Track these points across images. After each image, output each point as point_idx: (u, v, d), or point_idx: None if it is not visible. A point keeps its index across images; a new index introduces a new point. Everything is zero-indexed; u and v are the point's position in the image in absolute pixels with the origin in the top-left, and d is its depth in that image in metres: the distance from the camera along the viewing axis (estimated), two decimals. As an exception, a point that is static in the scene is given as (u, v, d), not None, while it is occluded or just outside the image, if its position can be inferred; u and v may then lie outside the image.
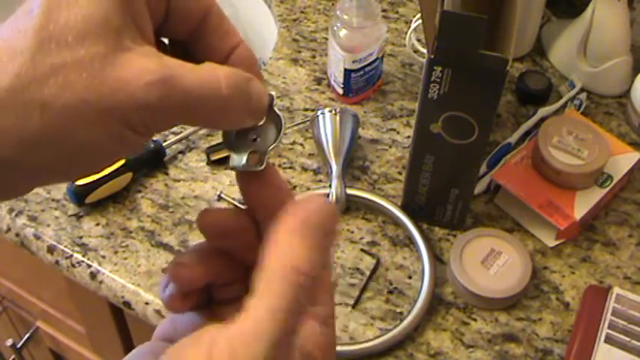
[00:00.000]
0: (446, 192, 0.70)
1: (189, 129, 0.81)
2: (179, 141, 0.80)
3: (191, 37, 0.33)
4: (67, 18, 0.28)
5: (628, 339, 0.63)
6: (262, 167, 0.35)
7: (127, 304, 0.70)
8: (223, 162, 0.79)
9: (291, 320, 0.28)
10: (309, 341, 0.31)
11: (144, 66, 0.29)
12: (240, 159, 0.34)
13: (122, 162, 0.75)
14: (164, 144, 0.78)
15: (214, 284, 0.36)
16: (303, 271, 0.28)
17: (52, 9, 0.28)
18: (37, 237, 0.73)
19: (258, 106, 0.32)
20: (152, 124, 0.30)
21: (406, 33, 0.89)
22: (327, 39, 0.90)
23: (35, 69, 0.28)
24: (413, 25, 0.87)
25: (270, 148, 0.35)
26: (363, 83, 0.84)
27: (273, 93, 0.34)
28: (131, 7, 0.29)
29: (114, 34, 0.28)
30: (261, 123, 0.34)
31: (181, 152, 0.80)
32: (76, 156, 0.30)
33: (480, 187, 0.76)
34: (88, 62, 0.28)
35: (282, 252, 0.29)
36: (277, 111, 0.34)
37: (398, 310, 0.68)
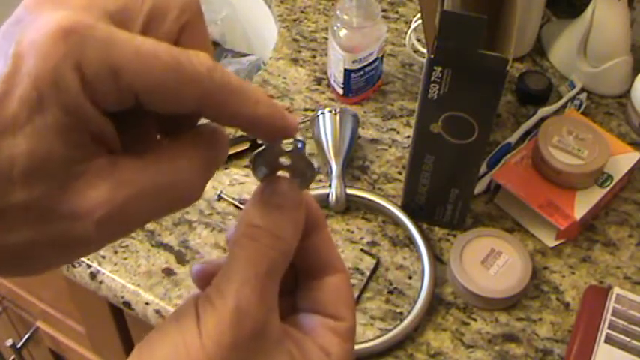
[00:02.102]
0: (446, 192, 0.70)
1: (189, 129, 0.81)
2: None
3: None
4: (12, 152, 0.25)
5: (628, 339, 0.63)
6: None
7: (127, 304, 0.70)
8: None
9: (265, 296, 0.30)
10: (329, 355, 0.32)
11: (94, 198, 0.26)
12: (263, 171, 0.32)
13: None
14: (164, 144, 0.78)
15: None
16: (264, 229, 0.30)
17: None
18: (37, 237, 0.73)
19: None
20: (107, 243, 0.29)
21: (406, 33, 0.89)
22: (327, 39, 0.90)
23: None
24: (413, 25, 0.87)
25: (301, 184, 0.33)
26: (363, 83, 0.84)
27: (302, 139, 0.32)
28: (82, 127, 0.26)
29: (60, 166, 0.26)
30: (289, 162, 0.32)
31: (181, 152, 0.80)
32: (24, 271, 0.29)
33: (479, 187, 0.76)
34: (33, 204, 0.26)
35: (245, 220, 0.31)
36: (307, 158, 0.32)
37: (398, 310, 0.68)
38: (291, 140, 0.31)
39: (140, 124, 0.30)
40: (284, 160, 0.32)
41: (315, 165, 0.79)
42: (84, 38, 0.25)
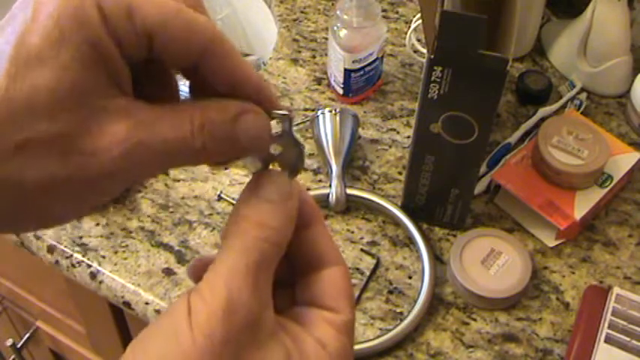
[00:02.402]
0: (446, 192, 0.70)
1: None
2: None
3: (197, 64, 0.31)
4: (35, 82, 0.26)
5: (628, 339, 0.63)
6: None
7: (127, 304, 0.70)
8: (223, 162, 0.79)
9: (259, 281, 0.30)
10: (320, 347, 0.32)
11: (114, 135, 0.27)
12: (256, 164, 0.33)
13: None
14: (164, 144, 0.78)
15: None
16: (267, 225, 0.31)
17: (20, 69, 0.27)
18: (37, 237, 0.73)
19: (248, 144, 0.31)
20: (123, 186, 0.30)
21: (406, 33, 0.89)
22: (327, 39, 0.90)
23: (5, 143, 0.27)
24: (413, 25, 0.87)
25: (290, 173, 0.33)
26: (363, 83, 0.84)
27: (292, 112, 0.32)
28: (101, 63, 0.27)
29: (83, 98, 0.27)
30: (279, 147, 0.33)
31: (181, 152, 0.80)
32: (41, 220, 0.30)
33: (480, 187, 0.76)
34: (55, 136, 0.27)
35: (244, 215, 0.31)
36: (295, 137, 0.33)
37: (398, 310, 0.68)
38: (280, 127, 0.32)
39: (152, 82, 0.31)
40: (274, 150, 0.32)
41: (315, 165, 0.79)
42: None
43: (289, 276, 0.35)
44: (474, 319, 0.68)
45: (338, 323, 0.33)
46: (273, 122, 0.32)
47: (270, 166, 0.33)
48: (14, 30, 0.27)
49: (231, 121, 0.30)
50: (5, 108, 0.26)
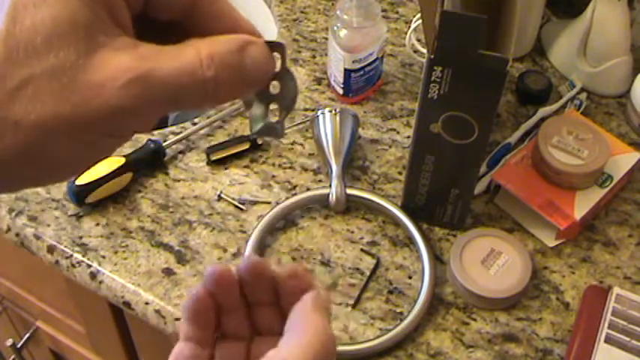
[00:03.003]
0: (446, 192, 0.70)
1: (190, 129, 0.81)
2: (179, 141, 0.80)
3: (186, 18, 0.31)
4: (34, 20, 0.26)
5: (628, 339, 0.63)
6: (281, 136, 0.34)
7: (127, 304, 0.70)
8: (223, 162, 0.79)
9: None
10: None
11: (118, 65, 0.27)
12: (259, 111, 0.33)
13: (122, 162, 0.75)
14: (164, 144, 0.78)
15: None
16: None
17: (19, 11, 0.26)
18: (37, 237, 0.73)
19: (255, 74, 0.30)
20: (132, 126, 0.29)
21: (406, 33, 0.89)
22: (327, 39, 0.90)
23: (4, 83, 0.26)
24: (413, 25, 0.87)
25: (288, 107, 0.33)
26: (363, 83, 0.84)
27: (284, 42, 0.32)
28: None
29: (85, 32, 0.26)
30: (277, 80, 0.33)
31: (181, 152, 0.80)
32: (51, 167, 0.29)
33: (480, 187, 0.76)
34: (58, 70, 0.26)
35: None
36: (288, 68, 0.32)
37: (398, 310, 0.68)
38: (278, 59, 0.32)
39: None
40: (272, 87, 0.32)
41: (316, 165, 0.79)
42: None
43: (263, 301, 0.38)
44: (474, 319, 0.68)
45: (301, 342, 0.34)
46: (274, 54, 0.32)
47: (269, 105, 0.33)
48: None
49: (238, 51, 0.29)
50: (6, 47, 0.26)
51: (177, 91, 0.28)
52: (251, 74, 0.30)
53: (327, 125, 0.77)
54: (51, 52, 0.26)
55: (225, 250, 0.72)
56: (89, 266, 0.71)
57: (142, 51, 0.27)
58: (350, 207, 0.75)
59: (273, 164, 0.79)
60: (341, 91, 0.85)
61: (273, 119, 0.33)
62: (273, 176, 0.78)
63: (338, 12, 0.79)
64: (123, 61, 0.27)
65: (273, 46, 0.32)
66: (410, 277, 0.70)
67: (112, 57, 0.27)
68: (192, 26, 0.30)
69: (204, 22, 0.30)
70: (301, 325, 0.33)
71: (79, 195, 0.73)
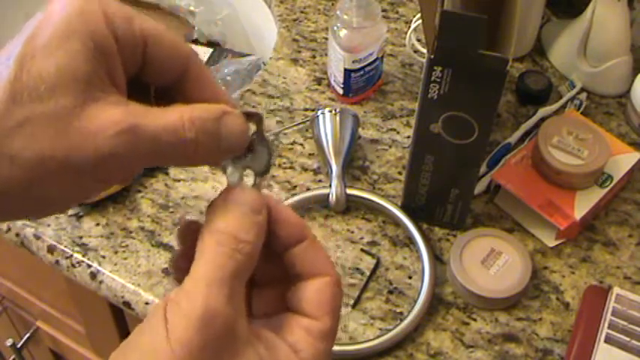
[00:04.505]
0: (446, 192, 0.70)
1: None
2: (179, 141, 0.80)
3: (174, 85, 0.34)
4: (40, 68, 0.29)
5: (628, 339, 0.63)
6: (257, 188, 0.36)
7: (127, 304, 0.70)
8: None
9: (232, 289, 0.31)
10: (297, 352, 0.33)
11: (110, 117, 0.30)
12: (234, 176, 0.35)
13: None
14: (164, 144, 0.78)
15: None
16: (240, 239, 0.32)
17: (27, 59, 0.29)
18: (37, 237, 0.73)
19: (230, 143, 0.33)
20: (119, 173, 0.31)
21: (406, 33, 0.89)
22: (327, 39, 0.90)
23: (6, 121, 0.29)
24: (413, 25, 0.87)
25: (262, 173, 0.36)
26: (363, 83, 0.84)
27: (261, 113, 0.35)
28: (102, 57, 0.31)
29: (83, 85, 0.30)
30: (252, 147, 0.35)
31: (181, 152, 0.80)
32: (41, 202, 0.31)
33: (480, 187, 0.76)
34: (56, 115, 0.29)
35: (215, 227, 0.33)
36: (266, 136, 0.36)
37: (398, 310, 0.68)
38: (253, 127, 0.35)
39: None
40: (247, 153, 0.35)
41: (315, 165, 0.79)
42: None
43: (272, 280, 0.36)
44: (474, 319, 0.68)
45: (314, 330, 0.34)
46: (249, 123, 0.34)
47: (244, 170, 0.35)
48: (29, 29, 0.30)
49: (216, 119, 0.32)
50: (12, 89, 0.29)
51: (161, 147, 0.31)
52: (226, 141, 0.33)
53: (327, 125, 0.77)
54: (52, 99, 0.29)
55: (225, 250, 0.72)
56: (89, 266, 0.71)
57: (132, 108, 0.31)
58: (350, 207, 0.75)
59: (273, 164, 0.79)
60: (341, 91, 0.85)
61: (249, 184, 0.35)
62: (273, 176, 0.78)
63: (338, 12, 0.79)
64: (114, 114, 0.30)
65: (251, 115, 0.35)
66: (410, 277, 0.70)
67: (105, 110, 0.30)
68: (178, 93, 0.34)
69: (190, 91, 0.34)
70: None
71: (79, 195, 0.73)
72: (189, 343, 0.29)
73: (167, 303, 0.31)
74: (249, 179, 0.36)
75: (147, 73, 0.33)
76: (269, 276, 0.37)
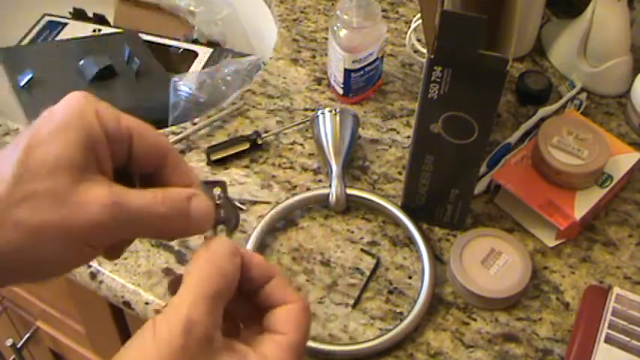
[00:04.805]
0: (446, 192, 0.70)
1: (190, 129, 0.81)
2: (179, 141, 0.80)
3: (155, 172, 0.42)
4: (44, 156, 0.37)
5: (628, 339, 0.63)
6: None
7: (127, 304, 0.70)
8: (223, 162, 0.79)
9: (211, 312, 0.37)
10: None
11: (98, 193, 0.37)
12: (210, 233, 0.43)
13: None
14: (164, 144, 0.78)
15: None
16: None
17: (32, 147, 0.37)
18: (37, 237, 0.73)
19: (198, 221, 0.41)
20: (105, 239, 0.39)
21: (406, 33, 0.89)
22: (327, 39, 0.90)
23: (14, 195, 0.36)
24: (413, 25, 0.87)
25: (232, 229, 0.44)
26: (363, 83, 0.84)
27: (224, 180, 0.45)
28: (93, 148, 0.38)
29: (77, 170, 0.37)
30: (223, 209, 0.44)
31: (181, 152, 0.80)
32: (40, 265, 0.38)
33: (480, 187, 0.76)
34: (55, 191, 0.36)
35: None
36: (230, 199, 0.44)
37: (398, 310, 0.68)
38: (220, 193, 0.44)
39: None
40: (218, 215, 0.43)
41: (315, 165, 0.79)
42: (97, 99, 0.40)
43: (247, 315, 0.43)
44: (474, 319, 0.68)
45: (283, 342, 0.40)
46: (215, 190, 0.44)
47: (218, 228, 0.44)
48: (35, 124, 0.38)
49: (186, 200, 0.40)
50: (19, 171, 0.37)
51: (138, 220, 0.38)
52: (195, 218, 0.40)
53: (327, 125, 0.77)
54: (52, 179, 0.36)
55: (225, 250, 0.72)
56: (89, 266, 0.71)
57: (115, 189, 0.38)
58: (350, 207, 0.75)
59: (273, 164, 0.79)
60: (341, 91, 0.85)
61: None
62: (273, 176, 0.78)
63: (338, 12, 0.79)
64: (101, 192, 0.37)
65: (216, 182, 0.44)
66: (410, 277, 0.70)
67: (93, 189, 0.37)
68: (158, 180, 0.42)
69: (167, 177, 0.42)
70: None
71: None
72: (171, 343, 0.35)
73: (156, 317, 0.37)
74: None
75: (133, 162, 0.41)
76: (242, 314, 0.43)
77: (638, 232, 0.74)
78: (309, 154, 0.80)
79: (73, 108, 0.38)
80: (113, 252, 0.43)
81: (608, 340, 0.63)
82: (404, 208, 0.73)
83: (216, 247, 0.40)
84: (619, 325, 0.64)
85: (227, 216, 0.44)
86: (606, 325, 0.64)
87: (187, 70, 1.02)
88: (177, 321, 0.36)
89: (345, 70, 0.81)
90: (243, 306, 0.43)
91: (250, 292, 0.42)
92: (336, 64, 0.82)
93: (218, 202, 0.44)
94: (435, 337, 0.66)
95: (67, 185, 0.37)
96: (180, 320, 0.36)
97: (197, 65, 1.02)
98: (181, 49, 1.05)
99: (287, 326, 0.41)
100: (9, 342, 1.22)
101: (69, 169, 0.37)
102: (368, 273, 0.70)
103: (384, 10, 0.96)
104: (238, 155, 0.79)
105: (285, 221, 0.74)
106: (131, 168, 0.42)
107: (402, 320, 0.66)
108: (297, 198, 0.74)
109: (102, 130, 0.39)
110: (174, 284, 0.40)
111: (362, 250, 0.72)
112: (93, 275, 0.71)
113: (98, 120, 0.39)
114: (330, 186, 0.74)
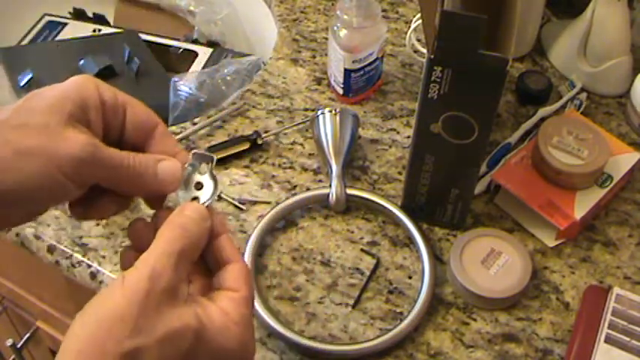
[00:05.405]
0: (446, 192, 0.70)
1: (190, 129, 0.81)
2: (179, 141, 0.80)
3: (145, 145, 0.48)
4: (40, 101, 0.44)
5: (628, 339, 0.63)
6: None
7: (127, 304, 0.70)
8: (223, 162, 0.79)
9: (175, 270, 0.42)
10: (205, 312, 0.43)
11: (81, 135, 0.44)
12: (185, 199, 0.49)
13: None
14: (164, 144, 0.78)
15: None
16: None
17: (34, 95, 0.45)
18: (37, 237, 0.73)
19: (164, 177, 0.47)
20: (82, 175, 0.44)
21: (406, 33, 0.89)
22: (327, 39, 0.90)
23: (9, 122, 0.43)
24: (413, 25, 0.87)
25: (205, 203, 0.48)
26: (363, 83, 0.84)
27: (214, 156, 0.49)
28: (86, 108, 0.45)
29: (67, 117, 0.44)
30: (202, 180, 0.49)
31: (181, 152, 0.80)
32: (21, 188, 0.42)
33: (480, 187, 0.76)
34: (45, 125, 0.43)
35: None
36: (214, 174, 0.49)
37: (398, 310, 0.68)
38: (207, 167, 0.49)
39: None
40: (197, 186, 0.49)
41: (315, 165, 0.79)
42: (97, 80, 0.47)
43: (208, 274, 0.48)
44: (474, 319, 0.68)
45: (237, 298, 0.45)
46: (203, 164, 0.49)
47: (192, 200, 0.48)
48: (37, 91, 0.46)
49: (154, 160, 0.47)
50: (19, 106, 0.44)
51: (112, 167, 0.45)
52: (160, 174, 0.47)
53: (327, 125, 0.77)
54: (43, 117, 0.44)
55: (225, 250, 0.72)
56: (89, 266, 0.71)
57: (97, 140, 0.45)
58: (350, 207, 0.75)
59: (273, 164, 0.79)
60: (341, 91, 0.85)
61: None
62: (273, 176, 0.78)
63: (338, 12, 0.79)
64: (84, 135, 0.44)
65: (205, 157, 0.49)
66: (410, 277, 0.70)
67: (77, 133, 0.44)
68: (147, 151, 0.48)
69: (155, 147, 0.48)
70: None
71: (79, 195, 0.73)
72: (137, 289, 0.40)
73: (126, 270, 0.42)
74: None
75: (126, 132, 0.47)
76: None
77: (638, 232, 0.74)
78: (309, 154, 0.80)
79: (75, 79, 0.46)
80: (81, 209, 0.48)
81: (608, 340, 0.63)
82: (404, 208, 0.73)
83: (187, 211, 0.46)
84: (619, 325, 0.64)
85: (206, 190, 0.48)
86: (606, 325, 0.64)
87: (187, 70, 1.02)
88: (143, 271, 0.41)
89: (345, 70, 0.81)
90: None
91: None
92: (336, 64, 0.82)
93: (202, 174, 0.49)
94: (435, 337, 0.66)
95: (55, 124, 0.43)
96: (147, 271, 0.41)
97: (197, 65, 1.02)
98: (181, 49, 1.05)
99: (239, 283, 0.46)
100: (9, 342, 1.22)
101: (60, 113, 0.43)
102: (368, 273, 0.70)
103: (384, 10, 0.96)
104: (238, 155, 0.79)
105: (285, 221, 0.74)
106: (123, 143, 0.48)
107: (402, 320, 0.66)
108: (297, 198, 0.74)
109: (99, 98, 0.46)
110: (133, 231, 0.48)
111: (362, 250, 0.72)
112: (93, 275, 0.71)
113: (97, 90, 0.46)
114: (330, 186, 0.74)
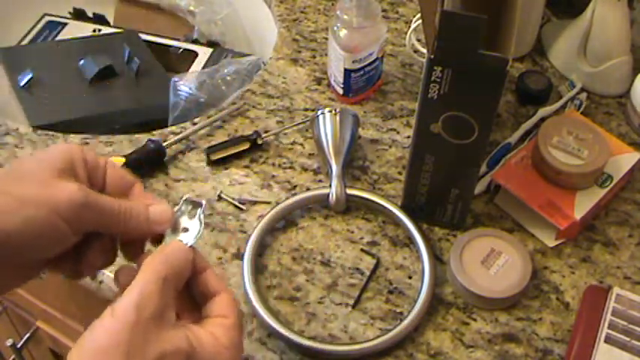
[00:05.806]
0: (446, 192, 0.70)
1: (190, 129, 0.81)
2: (179, 141, 0.80)
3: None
4: (31, 162, 0.49)
5: (628, 339, 0.63)
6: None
7: (127, 304, 0.70)
8: (223, 162, 0.79)
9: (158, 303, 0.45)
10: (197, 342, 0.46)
11: (74, 185, 0.47)
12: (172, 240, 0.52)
13: (122, 162, 0.75)
14: (164, 144, 0.78)
15: None
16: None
17: (24, 159, 0.49)
18: (37, 237, 0.73)
19: (155, 219, 0.51)
20: (80, 219, 0.47)
21: (406, 33, 0.89)
22: (327, 39, 0.90)
23: (5, 179, 0.47)
24: (413, 25, 0.87)
25: (189, 243, 0.51)
26: (363, 83, 0.84)
27: (204, 202, 0.53)
28: (73, 165, 0.48)
29: (57, 172, 0.47)
30: (189, 225, 0.52)
31: (181, 152, 0.80)
32: (23, 235, 0.45)
33: (480, 187, 0.76)
34: (39, 179, 0.46)
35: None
36: (201, 219, 0.52)
37: (398, 310, 0.68)
38: (196, 211, 0.53)
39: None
40: (182, 228, 0.52)
41: (315, 165, 0.79)
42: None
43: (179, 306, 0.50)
44: (474, 319, 0.68)
45: (227, 323, 0.48)
46: (190, 207, 0.53)
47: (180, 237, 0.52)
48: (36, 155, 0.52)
49: (144, 207, 0.51)
50: (12, 168, 0.48)
51: (105, 211, 0.48)
52: (152, 216, 0.51)
53: (327, 125, 0.77)
54: (37, 173, 0.47)
55: (225, 251, 0.72)
56: (89, 266, 0.71)
57: (87, 188, 0.48)
58: (350, 207, 0.75)
59: (273, 164, 0.79)
60: (341, 91, 0.85)
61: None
62: (273, 176, 0.78)
63: (338, 12, 0.79)
64: (77, 185, 0.47)
65: (195, 203, 0.53)
66: (410, 277, 0.70)
67: (69, 183, 0.47)
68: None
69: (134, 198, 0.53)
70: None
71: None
72: (126, 317, 0.43)
73: (113, 301, 0.44)
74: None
75: (107, 187, 0.51)
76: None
77: (638, 232, 0.74)
78: (309, 154, 0.80)
79: (58, 144, 0.52)
80: (72, 266, 0.51)
81: (608, 340, 0.63)
82: (404, 208, 0.73)
83: (170, 246, 0.49)
84: (619, 325, 0.64)
85: (191, 232, 0.52)
86: (606, 325, 0.64)
87: (187, 70, 1.02)
88: (130, 300, 0.44)
89: (345, 70, 0.81)
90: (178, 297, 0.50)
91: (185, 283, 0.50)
92: (336, 64, 0.82)
93: (191, 218, 0.53)
94: (435, 337, 0.66)
95: (49, 177, 0.46)
96: (133, 299, 0.44)
97: (197, 65, 1.02)
98: (181, 49, 1.05)
99: (227, 310, 0.49)
100: (9, 342, 1.22)
101: (50, 169, 0.47)
102: (368, 273, 0.70)
103: (384, 10, 0.96)
104: (238, 155, 0.79)
105: (285, 221, 0.74)
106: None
107: (402, 320, 0.66)
108: (297, 198, 0.74)
109: (82, 158, 0.50)
110: (121, 275, 0.50)
111: (362, 250, 0.72)
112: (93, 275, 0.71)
113: (80, 150, 0.50)
114: (330, 186, 0.74)
